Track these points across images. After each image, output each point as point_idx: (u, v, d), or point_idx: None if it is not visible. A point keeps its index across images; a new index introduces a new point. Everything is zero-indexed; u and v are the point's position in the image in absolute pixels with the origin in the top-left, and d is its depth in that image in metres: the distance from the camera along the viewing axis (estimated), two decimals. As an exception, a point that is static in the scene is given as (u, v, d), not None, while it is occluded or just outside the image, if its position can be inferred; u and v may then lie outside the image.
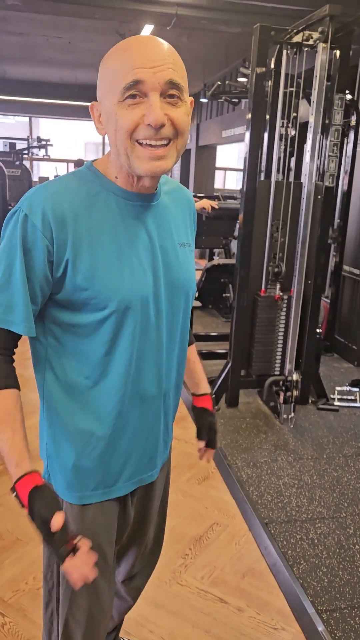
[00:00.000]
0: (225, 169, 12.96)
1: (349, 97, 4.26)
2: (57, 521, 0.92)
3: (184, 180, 10.73)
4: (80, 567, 0.93)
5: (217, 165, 11.14)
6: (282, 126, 3.19)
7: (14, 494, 0.95)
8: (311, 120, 2.89)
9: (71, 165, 11.07)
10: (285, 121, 3.21)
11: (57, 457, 1.06)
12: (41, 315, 0.99)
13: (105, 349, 0.99)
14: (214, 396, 3.35)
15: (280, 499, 2.48)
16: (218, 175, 11.74)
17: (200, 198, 5.35)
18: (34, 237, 0.91)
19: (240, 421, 3.25)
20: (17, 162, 6.97)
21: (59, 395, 1.04)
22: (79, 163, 6.77)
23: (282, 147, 3.45)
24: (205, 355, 4.13)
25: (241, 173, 3.47)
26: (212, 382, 3.56)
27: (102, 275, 0.94)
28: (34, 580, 1.97)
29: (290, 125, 3.27)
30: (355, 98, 4.29)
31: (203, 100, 6.97)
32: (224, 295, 5.50)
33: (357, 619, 1.81)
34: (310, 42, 2.86)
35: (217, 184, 11.51)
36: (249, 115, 2.98)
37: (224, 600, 1.92)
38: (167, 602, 1.90)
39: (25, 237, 0.91)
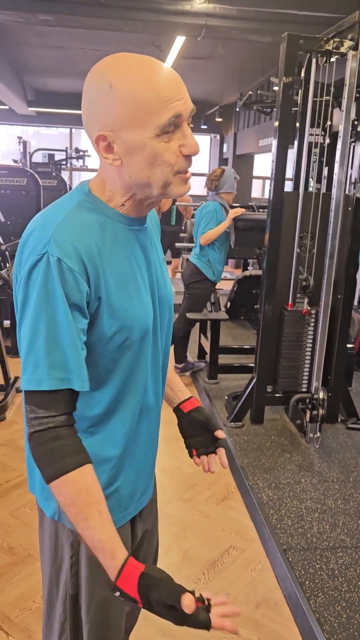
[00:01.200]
0: (263, 178, 12.84)
1: None
2: (190, 604, 0.79)
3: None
4: (225, 620, 0.82)
5: (255, 174, 11.04)
6: (313, 135, 3.10)
7: (117, 593, 0.82)
8: (341, 128, 2.79)
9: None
10: (317, 130, 3.12)
11: None
12: None
13: (124, 378, 0.96)
14: (236, 410, 3.28)
15: (301, 524, 2.37)
16: (256, 184, 11.63)
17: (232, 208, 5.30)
18: (73, 282, 0.83)
19: (264, 439, 3.15)
20: (54, 174, 7.09)
21: None
22: None
23: (315, 157, 3.37)
24: (237, 369, 4.05)
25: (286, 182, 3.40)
26: (237, 397, 3.48)
27: (127, 308, 0.91)
28: (42, 598, 1.94)
29: (323, 133, 3.18)
30: None
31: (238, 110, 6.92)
32: (255, 306, 5.41)
33: (375, 661, 1.70)
34: (342, 49, 2.77)
35: (255, 194, 11.40)
36: (277, 124, 2.90)
37: (236, 632, 1.84)
38: (174, 631, 1.83)
39: (65, 283, 0.82)
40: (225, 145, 10.78)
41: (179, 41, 4.55)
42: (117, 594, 0.83)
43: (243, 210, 3.93)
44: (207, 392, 3.82)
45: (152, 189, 0.89)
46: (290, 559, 2.15)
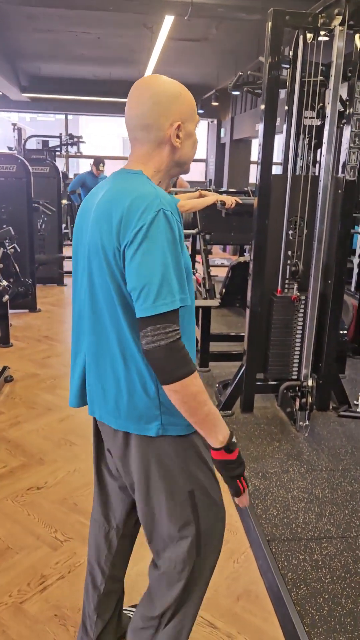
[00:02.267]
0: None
1: None
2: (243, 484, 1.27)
3: (218, 175, 10.56)
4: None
5: (253, 159, 10.89)
6: (306, 118, 3.01)
7: (229, 447, 1.18)
8: (328, 109, 2.70)
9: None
10: (309, 112, 3.03)
11: (171, 406, 1.18)
12: None
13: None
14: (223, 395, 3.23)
15: (287, 514, 2.33)
16: (254, 169, 11.49)
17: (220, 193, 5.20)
18: (179, 229, 1.15)
19: (254, 427, 3.11)
20: (47, 160, 6.99)
21: None
22: (97, 161, 6.73)
23: (307, 140, 3.27)
24: (230, 357, 3.99)
25: (279, 167, 3.30)
26: (227, 385, 3.44)
27: (185, 253, 1.19)
28: (19, 593, 1.91)
29: (315, 115, 3.09)
30: None
31: (235, 92, 6.78)
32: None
33: (355, 655, 1.66)
34: (332, 25, 2.67)
35: (253, 179, 11.26)
36: (263, 107, 2.82)
37: (213, 625, 1.81)
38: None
39: (178, 228, 1.14)
40: (222, 130, 10.62)
41: (168, 21, 4.43)
42: (234, 438, 1.20)
43: (233, 201, 3.79)
44: (198, 381, 3.77)
45: (184, 166, 1.30)
46: (274, 550, 2.11)
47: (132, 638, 1.43)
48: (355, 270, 5.03)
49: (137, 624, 1.42)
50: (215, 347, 4.15)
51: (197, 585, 1.36)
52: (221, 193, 5.49)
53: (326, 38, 2.84)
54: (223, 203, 3.95)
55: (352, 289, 4.98)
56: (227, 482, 1.25)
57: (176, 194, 5.31)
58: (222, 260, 7.78)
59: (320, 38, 2.83)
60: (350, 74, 2.93)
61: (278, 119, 3.20)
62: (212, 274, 4.94)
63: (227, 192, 6.65)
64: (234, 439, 1.19)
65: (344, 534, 2.21)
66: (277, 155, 3.37)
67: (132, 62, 8.22)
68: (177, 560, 1.32)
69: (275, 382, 3.26)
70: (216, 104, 9.33)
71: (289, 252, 3.09)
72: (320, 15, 2.67)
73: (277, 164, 3.38)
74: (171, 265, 1.10)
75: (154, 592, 1.38)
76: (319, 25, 2.68)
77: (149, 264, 1.09)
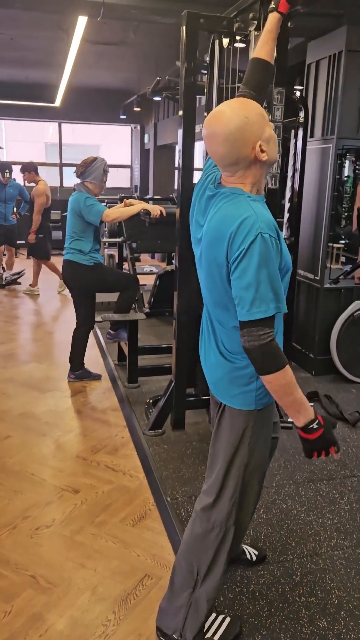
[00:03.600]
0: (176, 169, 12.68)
1: (298, 93, 4.03)
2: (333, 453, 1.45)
3: (144, 181, 10.43)
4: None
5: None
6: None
7: (315, 424, 1.39)
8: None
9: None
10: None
11: (258, 383, 1.50)
12: None
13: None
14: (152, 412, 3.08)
15: (222, 542, 2.20)
16: (180, 175, 11.44)
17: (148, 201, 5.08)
18: (276, 247, 1.36)
19: (185, 446, 2.98)
20: None
21: None
22: (26, 168, 6.38)
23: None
24: (160, 370, 3.83)
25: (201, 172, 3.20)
26: (156, 401, 3.29)
27: (284, 255, 1.45)
28: None
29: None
30: (304, 94, 4.05)
31: (155, 98, 6.68)
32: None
33: None
34: (249, 29, 2.60)
35: (180, 184, 11.21)
36: (181, 112, 2.70)
37: None
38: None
39: (273, 248, 1.34)
40: (146, 136, 10.51)
41: (80, 23, 4.25)
42: (315, 424, 1.39)
43: (158, 210, 3.68)
44: (127, 398, 3.60)
45: (274, 163, 1.48)
46: (209, 584, 1.97)
47: (172, 592, 1.71)
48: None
49: (177, 578, 1.70)
50: (146, 360, 3.99)
51: (225, 548, 1.63)
52: (147, 200, 5.36)
53: (243, 45, 2.78)
54: (147, 212, 3.83)
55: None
56: (304, 450, 1.44)
57: (106, 202, 5.11)
58: (150, 267, 7.64)
59: (237, 44, 2.77)
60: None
61: (200, 125, 3.11)
62: (140, 283, 4.79)
63: (153, 200, 6.53)
64: (313, 425, 1.38)
65: (280, 559, 2.12)
66: (202, 162, 3.27)
67: (49, 65, 7.91)
68: (217, 521, 1.62)
69: (206, 397, 3.14)
70: (138, 109, 9.19)
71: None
72: (235, 20, 2.59)
73: (199, 169, 3.27)
74: (266, 280, 1.32)
75: (193, 552, 1.66)
76: (234, 29, 2.60)
77: (246, 278, 1.33)
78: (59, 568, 2.08)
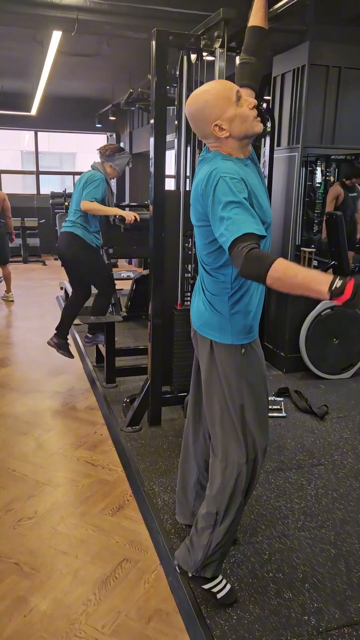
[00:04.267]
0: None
1: (265, 105, 4.23)
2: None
3: (120, 189, 10.57)
4: None
5: (154, 172, 11.00)
6: (191, 134, 3.09)
7: (335, 293, 1.28)
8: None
9: (5, 176, 10.69)
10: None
11: (239, 322, 1.73)
12: None
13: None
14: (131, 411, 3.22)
15: (196, 527, 2.34)
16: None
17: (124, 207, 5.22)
18: (240, 184, 1.53)
19: (162, 441, 3.11)
20: None
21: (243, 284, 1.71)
22: None
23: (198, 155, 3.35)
24: (138, 370, 3.95)
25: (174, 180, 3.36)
26: (134, 399, 3.41)
27: (261, 204, 1.63)
28: None
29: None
30: (270, 106, 4.25)
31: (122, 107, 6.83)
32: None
33: (263, 660, 1.69)
34: (215, 46, 2.77)
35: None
36: (152, 121, 2.85)
37: (124, 652, 1.76)
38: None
39: (241, 188, 1.52)
40: (121, 144, 10.66)
41: (55, 37, 4.38)
42: (338, 281, 1.28)
43: (132, 217, 3.85)
44: (106, 397, 3.72)
45: (249, 136, 1.64)
46: (184, 564, 2.10)
47: (196, 534, 1.88)
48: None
49: (200, 523, 1.87)
50: (123, 361, 4.11)
51: (240, 487, 1.81)
52: (123, 207, 5.48)
53: (211, 58, 2.94)
54: (122, 219, 3.97)
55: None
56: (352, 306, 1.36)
57: (66, 210, 5.21)
58: (127, 273, 7.75)
59: (205, 57, 2.93)
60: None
61: (172, 135, 3.26)
62: (117, 287, 4.92)
63: (129, 206, 6.66)
64: (336, 283, 1.27)
65: (250, 540, 2.26)
66: (174, 170, 3.42)
67: (25, 75, 8.01)
68: (230, 462, 1.79)
69: (181, 394, 3.28)
70: (113, 118, 9.33)
71: (187, 266, 3.15)
72: (202, 37, 2.75)
73: (170, 176, 3.43)
74: (236, 211, 1.44)
75: (212, 496, 1.83)
76: (201, 46, 2.76)
77: (218, 216, 1.48)
78: (42, 555, 2.19)
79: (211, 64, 2.88)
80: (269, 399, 3.52)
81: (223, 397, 1.77)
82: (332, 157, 6.03)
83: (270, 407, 3.47)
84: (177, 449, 3.00)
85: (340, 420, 3.43)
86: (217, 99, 1.59)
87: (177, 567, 1.97)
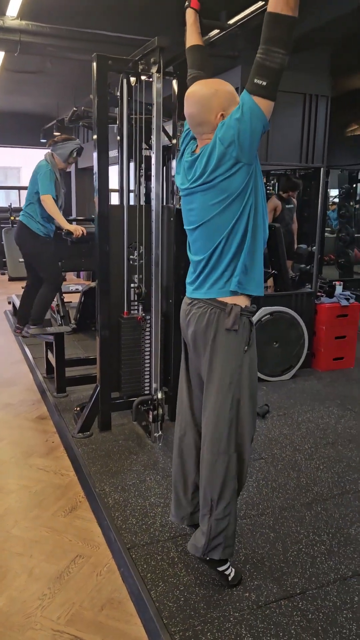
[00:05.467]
0: (109, 191, 12.95)
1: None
2: None
3: (67, 203, 10.60)
4: None
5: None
6: (132, 151, 3.27)
7: None
8: (153, 144, 2.98)
9: None
10: (145, 147, 3.30)
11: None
12: None
13: None
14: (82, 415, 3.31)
15: (145, 521, 2.47)
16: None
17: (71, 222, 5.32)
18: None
19: (112, 444, 3.22)
20: None
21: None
22: None
23: (139, 171, 3.54)
24: (88, 380, 4.04)
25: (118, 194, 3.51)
26: (84, 407, 3.51)
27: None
28: None
29: (148, 148, 3.36)
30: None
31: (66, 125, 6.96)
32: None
33: (208, 634, 1.84)
34: (151, 71, 2.96)
35: (103, 205, 11.47)
36: (95, 137, 3.01)
37: (79, 638, 1.87)
38: None
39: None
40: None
41: (0, 55, 4.47)
42: None
43: (80, 231, 3.98)
44: (56, 407, 3.79)
45: None
46: (134, 555, 2.23)
47: (200, 521, 2.03)
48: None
49: (201, 511, 2.01)
50: (73, 371, 4.20)
51: (231, 475, 1.94)
52: (70, 221, 5.58)
53: (150, 79, 3.13)
54: (69, 233, 4.08)
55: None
56: None
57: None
58: (76, 286, 7.82)
59: (144, 78, 3.12)
60: (172, 113, 3.27)
61: (115, 151, 3.42)
62: (66, 300, 5.01)
63: (76, 220, 6.76)
64: None
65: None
66: (117, 184, 3.58)
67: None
68: (220, 451, 1.91)
69: (130, 399, 3.42)
70: (58, 133, 9.41)
71: (132, 276, 3.30)
72: (139, 62, 2.94)
73: (114, 190, 3.59)
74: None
75: (207, 484, 1.96)
76: (139, 70, 2.95)
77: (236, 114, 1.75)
78: (-4, 557, 2.26)
79: (150, 84, 3.07)
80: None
81: (223, 392, 1.89)
82: (272, 171, 6.37)
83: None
84: (126, 451, 3.13)
85: (280, 418, 3.66)
86: (227, 93, 1.76)
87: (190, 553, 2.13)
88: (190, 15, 2.10)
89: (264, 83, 1.64)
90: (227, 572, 2.06)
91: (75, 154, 3.90)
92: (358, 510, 2.58)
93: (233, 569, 2.08)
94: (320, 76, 4.27)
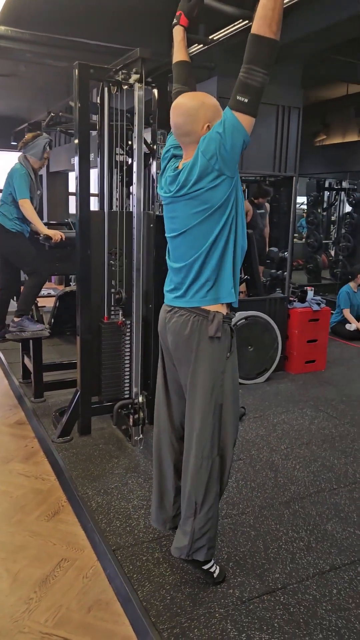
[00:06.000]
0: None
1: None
2: None
3: (39, 206, 10.52)
4: None
5: (71, 190, 11.10)
6: (119, 155, 3.31)
7: None
8: (134, 151, 3.03)
9: None
10: (121, 152, 3.34)
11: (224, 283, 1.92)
12: None
13: None
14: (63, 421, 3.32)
15: (129, 523, 2.51)
16: (73, 200, 11.67)
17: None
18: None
19: (92, 448, 3.24)
20: None
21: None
22: None
23: (119, 177, 3.58)
24: (65, 384, 4.05)
25: (97, 198, 3.53)
26: (64, 412, 3.52)
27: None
28: None
29: (125, 154, 3.41)
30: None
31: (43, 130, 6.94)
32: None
33: (195, 630, 1.90)
34: (130, 81, 3.01)
35: (73, 210, 11.44)
36: (76, 141, 3.04)
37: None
38: None
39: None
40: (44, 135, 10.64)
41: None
42: None
43: (59, 236, 3.98)
44: (34, 412, 3.79)
45: None
46: (119, 557, 2.27)
47: (182, 524, 2.07)
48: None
49: (183, 514, 2.05)
50: (49, 376, 4.19)
51: (214, 477, 2.00)
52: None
53: (131, 87, 3.18)
54: (48, 237, 4.08)
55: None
56: None
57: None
58: (48, 290, 7.78)
59: (124, 86, 3.16)
60: (152, 121, 3.33)
61: (92, 154, 3.45)
62: (40, 304, 4.98)
63: (49, 224, 6.71)
64: None
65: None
66: (97, 188, 3.61)
67: None
68: (204, 454, 1.96)
69: (109, 403, 3.44)
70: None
71: (112, 281, 3.34)
72: (121, 71, 2.99)
73: (94, 195, 3.62)
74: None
75: (191, 487, 1.99)
76: (120, 79, 3.00)
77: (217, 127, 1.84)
78: (-20, 563, 2.26)
79: (130, 92, 3.12)
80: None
81: (207, 397, 1.93)
82: (243, 178, 6.50)
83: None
84: (107, 455, 3.16)
85: (256, 419, 3.75)
86: (213, 106, 1.86)
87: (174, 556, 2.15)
88: (178, 33, 2.16)
89: (246, 100, 1.72)
90: (211, 570, 2.12)
91: (47, 148, 3.90)
92: (334, 507, 2.68)
93: (217, 566, 2.14)
94: (292, 88, 4.40)
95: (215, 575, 2.12)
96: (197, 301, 1.94)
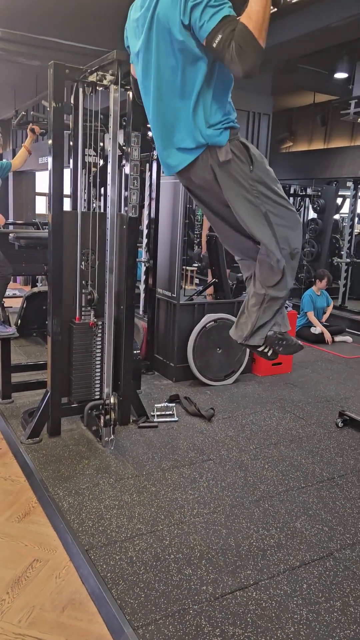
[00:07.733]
0: (47, 195, 12.78)
1: (150, 133, 4.58)
2: None
3: (3, 206, 10.35)
4: None
5: (38, 190, 10.98)
6: (90, 156, 3.31)
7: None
8: (109, 152, 3.04)
9: None
10: (92, 153, 3.34)
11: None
12: None
13: None
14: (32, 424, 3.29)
15: (101, 523, 2.51)
16: (40, 201, 11.54)
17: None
18: None
19: (63, 450, 3.22)
20: None
21: None
22: None
23: (91, 178, 3.58)
24: (32, 386, 4.00)
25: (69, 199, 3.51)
26: (32, 413, 3.48)
27: None
28: None
29: (96, 155, 3.41)
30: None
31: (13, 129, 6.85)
32: (46, 322, 5.42)
33: (170, 627, 1.92)
34: (104, 82, 3.03)
35: (40, 210, 11.32)
36: (50, 141, 3.03)
37: None
38: None
39: None
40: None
41: None
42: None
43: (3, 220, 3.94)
44: (2, 412, 3.73)
45: None
46: (92, 557, 2.27)
47: (246, 313, 2.11)
48: (142, 295, 5.51)
49: (250, 301, 2.07)
50: (17, 377, 4.13)
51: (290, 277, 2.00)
52: (8, 225, 5.50)
53: (106, 89, 3.19)
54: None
55: (141, 312, 5.44)
56: None
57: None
58: (14, 291, 7.66)
59: (99, 88, 3.18)
60: (125, 124, 3.35)
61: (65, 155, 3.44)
62: (6, 305, 4.90)
63: (14, 224, 6.64)
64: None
65: (152, 529, 2.49)
66: (70, 189, 3.60)
67: None
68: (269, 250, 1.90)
69: (79, 404, 3.43)
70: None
71: (84, 282, 3.33)
72: (96, 73, 3.00)
73: (67, 196, 3.60)
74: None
75: (261, 277, 2.01)
76: (95, 81, 3.01)
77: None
78: None
79: (104, 94, 3.13)
80: (162, 405, 3.81)
81: (251, 214, 1.86)
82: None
83: (162, 412, 3.75)
84: (78, 456, 3.14)
85: (225, 420, 3.81)
86: None
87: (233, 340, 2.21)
88: None
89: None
90: (265, 350, 2.20)
91: None
92: (302, 505, 2.76)
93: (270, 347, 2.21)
94: (263, 95, 4.51)
95: (269, 354, 2.21)
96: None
